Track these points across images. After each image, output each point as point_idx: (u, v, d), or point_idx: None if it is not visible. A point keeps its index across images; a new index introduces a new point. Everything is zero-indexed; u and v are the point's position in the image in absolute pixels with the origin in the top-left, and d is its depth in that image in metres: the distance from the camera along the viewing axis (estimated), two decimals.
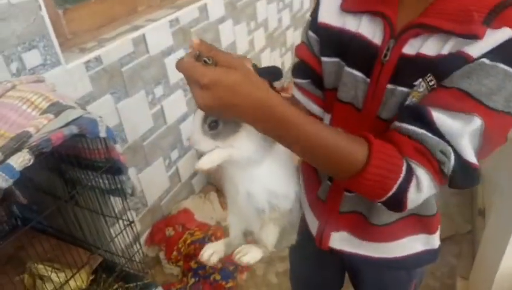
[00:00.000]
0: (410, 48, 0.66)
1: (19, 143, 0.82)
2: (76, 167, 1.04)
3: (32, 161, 0.77)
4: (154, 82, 1.99)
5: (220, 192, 2.52)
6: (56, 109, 0.92)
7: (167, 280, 2.06)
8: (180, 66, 0.54)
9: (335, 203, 0.85)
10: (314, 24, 0.81)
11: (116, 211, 1.14)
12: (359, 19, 0.73)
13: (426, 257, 0.91)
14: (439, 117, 0.60)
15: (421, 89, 0.64)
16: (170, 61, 2.07)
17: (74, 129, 0.86)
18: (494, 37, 0.59)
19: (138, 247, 1.14)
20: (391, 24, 0.68)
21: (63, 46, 1.54)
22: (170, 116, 2.15)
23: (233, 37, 2.65)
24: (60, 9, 1.58)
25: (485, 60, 0.58)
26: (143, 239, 2.14)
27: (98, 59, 1.63)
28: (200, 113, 0.64)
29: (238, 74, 0.53)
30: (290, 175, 0.78)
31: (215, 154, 0.66)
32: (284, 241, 0.82)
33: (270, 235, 0.78)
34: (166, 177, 2.22)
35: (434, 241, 0.90)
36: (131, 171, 1.91)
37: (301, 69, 0.86)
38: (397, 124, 0.64)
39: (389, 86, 0.69)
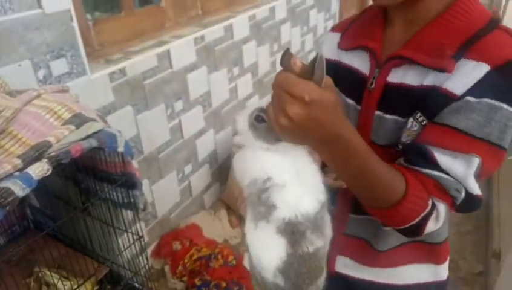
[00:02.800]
0: (394, 77, 0.72)
1: (39, 152, 0.84)
2: (92, 178, 1.06)
3: (50, 171, 0.78)
4: (175, 97, 2.02)
5: (230, 210, 2.51)
6: (78, 120, 0.93)
7: None
8: (283, 78, 0.53)
9: (341, 225, 0.88)
10: None
11: (126, 223, 1.15)
12: (352, 54, 0.81)
13: (433, 288, 0.90)
14: (441, 159, 0.64)
15: (415, 128, 0.69)
16: (192, 78, 2.10)
17: (93, 143, 0.87)
18: (472, 73, 0.62)
19: (145, 262, 1.14)
20: (376, 56, 0.75)
21: (90, 57, 1.58)
22: (187, 130, 2.17)
23: (256, 58, 2.69)
24: (90, 20, 1.63)
25: (469, 98, 0.62)
26: (149, 250, 2.14)
27: (122, 71, 1.67)
28: (247, 109, 0.63)
29: (333, 98, 0.54)
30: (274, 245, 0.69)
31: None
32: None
33: None
34: (177, 191, 2.24)
35: (441, 272, 0.90)
36: (144, 183, 1.93)
37: None
38: (409, 166, 0.67)
39: (377, 112, 0.74)
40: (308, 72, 0.53)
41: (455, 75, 0.63)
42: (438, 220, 0.66)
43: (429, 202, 0.65)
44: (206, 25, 2.20)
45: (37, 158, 0.83)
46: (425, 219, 0.65)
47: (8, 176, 0.77)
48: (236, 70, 2.50)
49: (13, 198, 0.72)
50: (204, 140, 2.34)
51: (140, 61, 1.76)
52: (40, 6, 1.31)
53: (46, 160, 0.79)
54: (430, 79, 0.67)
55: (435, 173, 0.64)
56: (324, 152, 0.60)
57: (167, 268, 2.13)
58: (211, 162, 2.47)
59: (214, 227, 2.40)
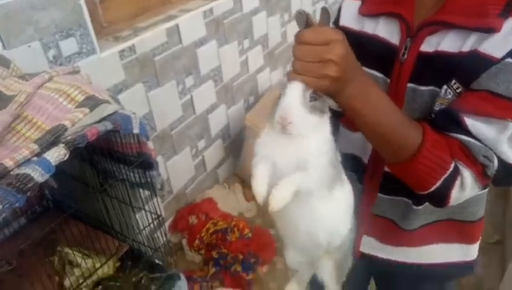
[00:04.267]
0: (428, 46, 0.68)
1: (55, 136, 0.84)
2: (108, 159, 1.06)
3: (67, 156, 0.79)
4: (185, 72, 1.99)
5: (245, 183, 2.53)
6: (92, 102, 0.93)
7: (189, 267, 2.10)
8: (309, 34, 0.55)
9: (368, 204, 0.85)
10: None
11: (144, 201, 1.16)
12: (376, 21, 0.76)
13: (462, 268, 0.89)
14: (473, 124, 0.61)
15: (449, 96, 0.65)
16: (202, 52, 2.07)
17: (108, 125, 0.87)
18: None
19: (164, 239, 1.16)
20: (408, 23, 0.70)
21: (99, 35, 1.56)
22: (199, 106, 2.16)
23: (266, 29, 2.63)
24: None
25: (510, 59, 0.59)
26: (167, 224, 2.18)
27: (132, 48, 1.65)
28: (298, 86, 0.58)
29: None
30: (350, 211, 0.73)
31: (284, 188, 0.57)
32: (342, 271, 0.81)
33: (328, 275, 0.76)
34: (192, 166, 2.25)
35: (473, 252, 0.88)
36: (159, 159, 1.94)
37: None
38: (438, 130, 0.64)
39: (409, 85, 0.70)
40: (324, 25, 0.57)
41: (497, 36, 0.60)
42: (463, 188, 0.63)
43: (452, 165, 0.62)
44: None
45: (54, 142, 0.84)
46: (449, 183, 0.62)
47: (26, 161, 0.78)
48: (246, 43, 2.45)
49: (32, 184, 0.73)
50: (216, 115, 2.33)
51: (149, 38, 1.73)
52: None
53: (63, 144, 0.80)
54: (470, 43, 0.63)
55: (463, 137, 0.61)
56: (352, 92, 0.59)
57: (184, 242, 2.18)
58: (224, 137, 2.47)
59: (229, 201, 2.43)
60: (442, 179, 0.62)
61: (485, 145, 0.61)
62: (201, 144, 2.27)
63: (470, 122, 0.61)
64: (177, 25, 1.86)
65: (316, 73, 0.55)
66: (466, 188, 0.63)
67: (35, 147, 0.81)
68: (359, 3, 0.80)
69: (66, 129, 0.86)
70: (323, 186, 0.63)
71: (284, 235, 0.75)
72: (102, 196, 1.13)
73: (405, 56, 0.69)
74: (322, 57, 0.54)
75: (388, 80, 0.73)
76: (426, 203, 0.77)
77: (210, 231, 2.15)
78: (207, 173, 2.40)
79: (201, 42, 2.05)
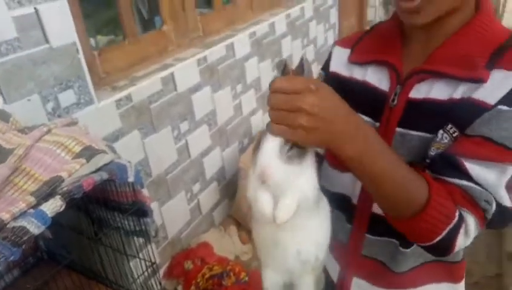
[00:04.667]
0: (417, 93, 0.70)
1: (51, 188, 0.86)
2: (103, 208, 1.08)
3: (63, 207, 0.81)
4: (180, 118, 2.05)
5: (241, 226, 2.52)
6: (88, 153, 0.96)
7: None
8: (282, 82, 0.54)
9: (357, 245, 0.86)
10: (327, 76, 0.88)
11: (138, 249, 1.16)
12: (365, 68, 0.79)
13: None
14: (472, 168, 0.62)
15: (445, 140, 0.66)
16: (197, 98, 2.14)
17: (104, 175, 0.89)
18: (504, 82, 0.62)
19: (159, 287, 1.16)
20: (397, 71, 0.73)
21: (97, 85, 1.62)
22: (194, 150, 2.19)
23: (258, 73, 2.72)
24: (95, 50, 1.67)
25: (502, 106, 0.61)
26: (162, 271, 2.15)
27: (128, 97, 1.71)
28: (275, 137, 0.58)
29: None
30: (329, 225, 0.74)
31: (289, 201, 0.59)
32: (320, 287, 0.81)
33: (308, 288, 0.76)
34: (187, 210, 2.25)
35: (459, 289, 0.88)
36: (154, 205, 1.95)
37: None
38: (436, 175, 0.65)
39: (398, 129, 0.73)
40: (298, 74, 0.58)
41: (487, 85, 0.63)
42: (468, 235, 0.63)
43: (457, 213, 0.61)
44: (208, 45, 2.24)
45: (50, 194, 0.86)
46: (454, 233, 0.62)
47: (22, 213, 0.79)
48: (239, 87, 2.53)
49: (28, 236, 0.75)
50: (211, 158, 2.36)
51: (145, 86, 1.79)
52: (47, 42, 1.35)
53: (59, 196, 0.82)
54: (461, 91, 0.66)
55: (463, 182, 0.62)
56: (344, 143, 0.56)
57: (180, 288, 2.14)
58: (219, 179, 2.49)
59: (225, 244, 2.41)
60: (448, 229, 0.61)
61: (486, 189, 0.61)
62: (196, 187, 2.29)
63: (470, 166, 0.62)
64: (172, 74, 1.93)
65: (290, 123, 0.54)
66: (471, 235, 0.63)
67: (31, 199, 0.83)
68: (348, 50, 0.84)
69: (63, 180, 0.89)
70: (314, 198, 0.65)
71: (269, 258, 0.74)
72: (97, 245, 1.13)
73: (395, 102, 0.72)
74: (293, 105, 0.53)
75: (377, 124, 0.76)
76: (414, 246, 0.78)
77: (206, 276, 2.12)
78: (203, 216, 2.40)
79: (196, 88, 2.12)
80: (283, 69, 0.59)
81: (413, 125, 0.71)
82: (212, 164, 2.38)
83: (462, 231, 0.62)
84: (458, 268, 0.86)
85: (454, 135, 0.65)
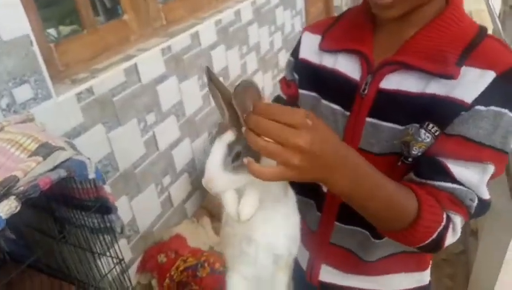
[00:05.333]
0: (388, 83, 0.70)
1: (5, 188, 0.82)
2: (65, 206, 1.05)
3: (19, 208, 0.77)
4: (146, 110, 2.00)
5: (214, 217, 2.51)
6: (45, 150, 0.92)
7: None
8: (271, 112, 0.49)
9: (326, 233, 0.86)
10: (296, 62, 0.87)
11: (105, 246, 1.14)
12: (335, 56, 0.78)
13: None
14: (455, 170, 0.64)
15: (427, 140, 0.67)
16: (162, 89, 2.09)
17: (62, 173, 0.86)
18: (479, 80, 0.63)
19: (129, 283, 1.14)
20: (368, 60, 0.72)
21: (55, 79, 1.56)
22: (162, 142, 2.16)
23: (226, 62, 2.69)
24: (52, 42, 1.60)
25: (479, 107, 0.63)
26: (134, 266, 2.12)
27: (89, 90, 1.65)
28: (221, 145, 0.56)
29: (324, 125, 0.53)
30: (297, 214, 0.73)
31: (250, 197, 0.58)
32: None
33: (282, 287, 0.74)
34: (157, 203, 2.22)
35: (425, 277, 0.91)
36: (123, 199, 1.91)
37: (280, 102, 0.89)
38: (421, 180, 0.67)
39: (368, 119, 0.72)
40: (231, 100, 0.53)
41: (462, 83, 0.64)
42: (456, 232, 0.66)
43: (444, 216, 0.64)
44: (172, 34, 2.19)
45: (5, 195, 0.82)
46: (443, 233, 0.64)
47: None
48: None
49: None
50: (181, 149, 2.33)
51: (107, 78, 1.74)
52: None
53: (14, 196, 0.78)
54: (433, 86, 0.66)
55: (448, 185, 0.64)
56: (334, 177, 0.54)
57: (154, 282, 2.12)
58: (190, 171, 2.47)
59: (198, 235, 2.40)
60: (437, 232, 0.64)
61: (469, 188, 0.64)
62: (167, 180, 2.25)
63: (454, 168, 0.64)
64: (135, 64, 1.88)
65: (283, 160, 0.49)
66: (458, 231, 0.66)
67: None
68: (319, 37, 0.82)
69: (18, 180, 0.85)
70: (280, 190, 0.65)
71: (240, 259, 0.71)
72: (61, 244, 1.10)
73: (366, 91, 0.72)
74: (289, 141, 0.48)
75: (347, 113, 0.75)
76: (385, 238, 0.78)
77: (180, 268, 2.11)
78: (174, 208, 2.37)
79: (161, 79, 2.08)
80: (210, 76, 0.57)
81: (383, 115, 0.71)
82: (181, 156, 2.35)
83: (450, 230, 0.65)
84: (424, 257, 0.88)
85: (436, 134, 0.66)
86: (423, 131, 0.66)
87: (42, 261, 1.25)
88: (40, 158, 0.90)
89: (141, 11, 2.04)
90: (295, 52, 0.87)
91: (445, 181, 0.64)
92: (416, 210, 0.62)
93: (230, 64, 2.74)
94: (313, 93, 0.82)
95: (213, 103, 2.60)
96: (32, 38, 1.38)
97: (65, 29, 2.65)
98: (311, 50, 0.83)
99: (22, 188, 0.80)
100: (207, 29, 2.43)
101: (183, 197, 2.44)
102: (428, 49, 0.67)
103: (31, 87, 1.41)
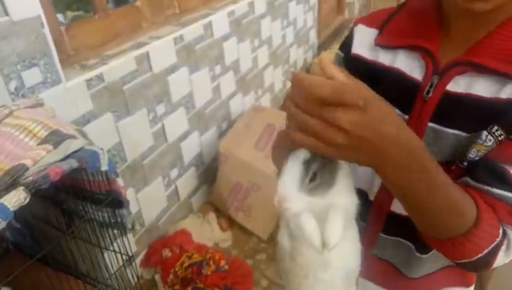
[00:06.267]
0: (456, 86, 0.63)
1: (13, 177, 0.77)
2: (74, 198, 0.99)
3: (28, 199, 0.71)
4: (156, 100, 1.94)
5: (220, 212, 2.46)
6: (56, 138, 0.86)
7: None
8: (317, 84, 0.43)
9: (369, 244, 0.80)
10: (347, 58, 0.78)
11: (113, 240, 1.08)
12: (395, 53, 0.70)
13: None
14: None
15: (489, 143, 0.60)
16: (173, 79, 2.03)
17: (74, 163, 0.80)
18: None
19: (136, 280, 1.08)
20: (435, 59, 0.64)
21: (65, 63, 1.49)
22: (171, 134, 2.10)
23: (238, 55, 2.62)
24: (63, 25, 1.54)
25: None
26: (138, 260, 2.07)
27: (100, 77, 1.59)
28: (297, 164, 0.51)
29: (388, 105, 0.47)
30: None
31: (336, 221, 0.52)
32: None
33: None
34: (164, 197, 2.17)
35: None
36: (130, 191, 1.86)
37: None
38: (477, 184, 0.60)
39: (430, 125, 0.65)
40: None
41: None
42: (509, 251, 0.58)
43: (500, 231, 0.57)
44: (184, 23, 2.12)
45: (12, 184, 0.76)
46: (495, 250, 0.57)
47: None
48: (218, 69, 2.43)
49: None
50: (189, 142, 2.27)
51: (118, 66, 1.67)
52: (6, 13, 1.21)
53: (22, 187, 0.72)
54: (508, 91, 0.59)
55: (509, 194, 0.57)
56: (388, 168, 0.48)
57: (157, 277, 2.07)
58: (197, 165, 2.41)
59: (204, 231, 2.35)
60: (490, 247, 0.57)
61: None
62: (174, 172, 2.20)
63: None
64: (147, 52, 1.81)
65: (324, 137, 0.45)
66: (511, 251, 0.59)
67: None
68: (375, 32, 0.74)
69: (27, 169, 0.79)
70: (354, 207, 0.58)
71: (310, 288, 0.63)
72: (68, 238, 1.04)
73: (430, 94, 0.64)
74: (331, 119, 0.44)
75: (406, 117, 0.67)
76: (432, 252, 0.73)
77: (185, 264, 2.05)
78: (180, 202, 2.32)
79: (172, 69, 2.01)
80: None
81: (448, 121, 0.64)
82: (190, 149, 2.29)
83: (503, 247, 0.58)
84: (471, 273, 0.82)
85: (500, 138, 0.59)
86: (485, 133, 0.59)
87: (48, 254, 1.20)
88: (50, 146, 0.84)
89: None
90: (346, 46, 0.79)
91: (504, 189, 0.57)
92: (474, 219, 0.55)
93: (241, 57, 2.67)
94: None
95: (223, 96, 2.54)
96: (44, 20, 1.32)
97: (71, 15, 2.59)
98: (365, 45, 0.74)
99: (30, 178, 0.75)
100: (220, 20, 2.36)
101: (189, 191, 2.39)
102: (505, 50, 0.59)
103: (40, 71, 1.35)
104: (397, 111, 0.68)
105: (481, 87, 0.61)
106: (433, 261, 0.75)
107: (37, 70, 1.34)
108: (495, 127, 0.59)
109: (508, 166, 0.58)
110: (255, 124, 2.54)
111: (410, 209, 0.57)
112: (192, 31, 2.11)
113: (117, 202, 0.93)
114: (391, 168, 0.48)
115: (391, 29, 0.71)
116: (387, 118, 0.46)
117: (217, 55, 2.39)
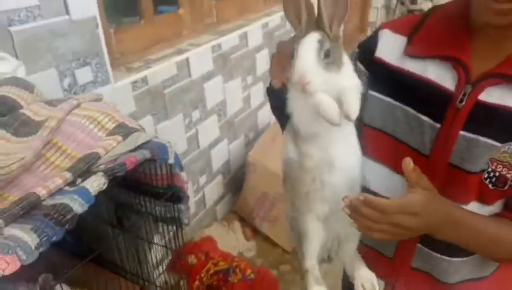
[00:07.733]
0: (488, 96, 0.65)
1: (88, 165, 0.78)
2: (131, 192, 1.00)
3: (106, 185, 0.73)
4: (192, 106, 1.97)
5: (244, 222, 2.45)
6: (123, 130, 0.88)
7: None
8: (387, 207, 0.61)
9: (406, 257, 0.79)
10: (366, 57, 0.79)
11: (163, 239, 1.09)
12: (425, 63, 0.71)
13: None
14: None
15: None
16: (209, 86, 2.06)
17: (146, 154, 0.82)
18: None
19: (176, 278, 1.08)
20: (467, 69, 0.66)
21: (112, 65, 1.53)
22: (203, 140, 2.12)
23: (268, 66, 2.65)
24: (112, 28, 1.58)
25: None
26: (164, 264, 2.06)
27: (144, 80, 1.62)
28: (312, 43, 0.58)
29: (433, 194, 0.64)
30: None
31: (353, 95, 0.59)
32: None
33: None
34: (192, 203, 2.17)
35: None
36: None
37: None
38: None
39: (462, 133, 0.67)
40: None
41: None
42: None
43: None
44: (221, 32, 2.16)
45: (87, 171, 0.78)
46: None
47: (62, 191, 0.71)
48: (249, 79, 2.46)
49: (71, 215, 0.66)
50: (219, 150, 2.29)
51: (160, 70, 1.71)
52: (67, 13, 1.25)
53: (102, 173, 0.74)
54: None
55: None
56: (439, 232, 0.67)
57: (182, 283, 2.05)
58: (224, 173, 2.42)
59: (228, 239, 2.34)
60: None
61: None
62: (203, 179, 2.21)
63: None
64: (187, 59, 1.85)
65: (395, 235, 0.64)
66: None
67: (68, 176, 0.75)
68: (402, 38, 0.75)
69: (99, 157, 0.81)
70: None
71: (315, 195, 0.69)
72: (120, 233, 1.05)
73: (463, 103, 0.66)
74: (398, 224, 0.62)
75: (437, 125, 0.69)
76: (465, 258, 0.75)
77: (211, 271, 2.04)
78: (207, 209, 2.32)
79: (209, 76, 2.05)
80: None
81: (480, 130, 0.65)
82: (219, 157, 2.31)
83: None
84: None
85: None
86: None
87: (92, 250, 1.20)
88: (119, 137, 0.86)
89: (196, 5, 2.01)
90: (366, 46, 0.80)
91: None
92: None
93: None
94: (388, 99, 0.75)
95: (252, 107, 2.56)
96: (99, 20, 1.36)
97: (119, 20, 2.63)
98: (390, 51, 0.75)
99: (108, 166, 0.76)
100: (254, 31, 2.40)
101: (215, 199, 2.39)
102: None
103: (91, 70, 1.38)
104: (428, 119, 0.70)
105: None
106: (467, 267, 0.78)
107: (89, 69, 1.37)
108: None
109: None
110: (280, 138, 2.55)
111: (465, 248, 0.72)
112: (229, 40, 2.15)
113: (176, 196, 0.94)
114: (442, 234, 0.67)
115: (421, 38, 0.72)
116: (436, 212, 0.64)
117: (250, 66, 2.43)
